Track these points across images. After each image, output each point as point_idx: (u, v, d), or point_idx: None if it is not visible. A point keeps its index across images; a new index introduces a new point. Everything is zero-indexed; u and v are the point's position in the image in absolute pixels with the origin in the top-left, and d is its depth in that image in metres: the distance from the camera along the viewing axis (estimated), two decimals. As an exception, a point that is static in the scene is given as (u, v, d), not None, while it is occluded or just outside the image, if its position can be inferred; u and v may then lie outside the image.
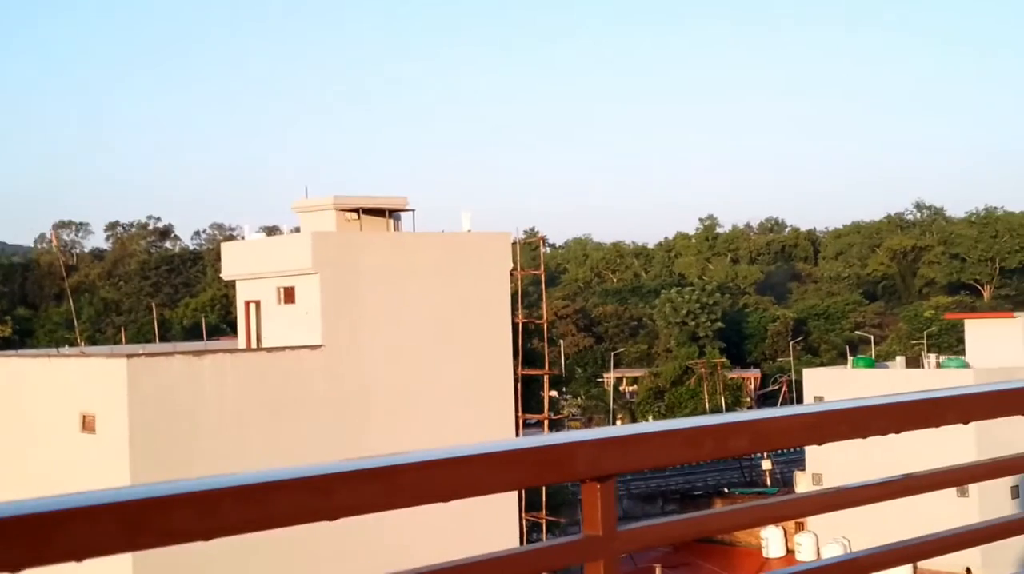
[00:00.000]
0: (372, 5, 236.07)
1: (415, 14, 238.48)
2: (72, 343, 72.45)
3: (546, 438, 2.37)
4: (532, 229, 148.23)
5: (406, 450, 2.30)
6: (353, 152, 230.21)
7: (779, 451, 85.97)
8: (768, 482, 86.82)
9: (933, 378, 61.65)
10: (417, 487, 2.22)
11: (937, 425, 3.44)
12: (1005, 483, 54.34)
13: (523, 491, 49.28)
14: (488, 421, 50.09)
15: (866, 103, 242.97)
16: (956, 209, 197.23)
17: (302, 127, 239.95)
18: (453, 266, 52.03)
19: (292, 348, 48.08)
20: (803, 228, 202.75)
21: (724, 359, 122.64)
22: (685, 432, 2.67)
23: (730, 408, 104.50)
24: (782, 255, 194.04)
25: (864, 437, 3.17)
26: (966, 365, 64.44)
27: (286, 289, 50.47)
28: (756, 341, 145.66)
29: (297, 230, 57.04)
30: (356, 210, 53.61)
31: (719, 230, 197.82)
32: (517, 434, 53.11)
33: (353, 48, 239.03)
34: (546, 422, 65.21)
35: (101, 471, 41.89)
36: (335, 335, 48.49)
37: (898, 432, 3.25)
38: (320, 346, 48.23)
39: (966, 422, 3.57)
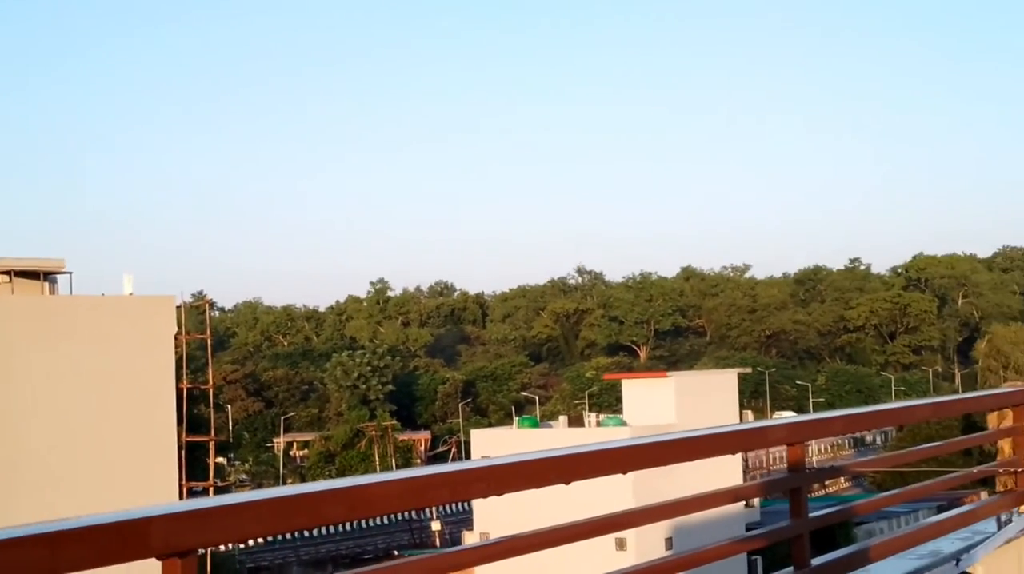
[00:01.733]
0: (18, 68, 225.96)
1: (71, 71, 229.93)
2: None
3: (120, 514, 2.28)
4: (200, 292, 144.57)
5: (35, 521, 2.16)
6: (7, 211, 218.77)
7: (448, 510, 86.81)
8: (438, 543, 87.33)
9: (594, 436, 63.79)
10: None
11: (537, 486, 3.56)
12: (659, 535, 56.79)
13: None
14: (150, 490, 48.13)
15: (526, 170, 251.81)
16: (614, 274, 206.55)
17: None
18: (113, 330, 49.92)
19: (-66, 418, 44.68)
20: (472, 291, 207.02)
21: (395, 421, 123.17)
22: (274, 502, 2.64)
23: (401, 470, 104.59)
24: (452, 318, 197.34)
25: (464, 499, 3.24)
26: (623, 423, 67.00)
27: (-73, 356, 46.97)
28: (427, 403, 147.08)
29: (-59, 293, 53.32)
30: (7, 272, 50.66)
31: (390, 293, 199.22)
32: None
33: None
34: (211, 489, 63.36)
35: None
36: (-17, 404, 45.43)
37: (499, 494, 3.34)
38: (-34, 415, 45.05)
39: (567, 482, 3.72)
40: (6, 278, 50.59)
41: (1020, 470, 6.73)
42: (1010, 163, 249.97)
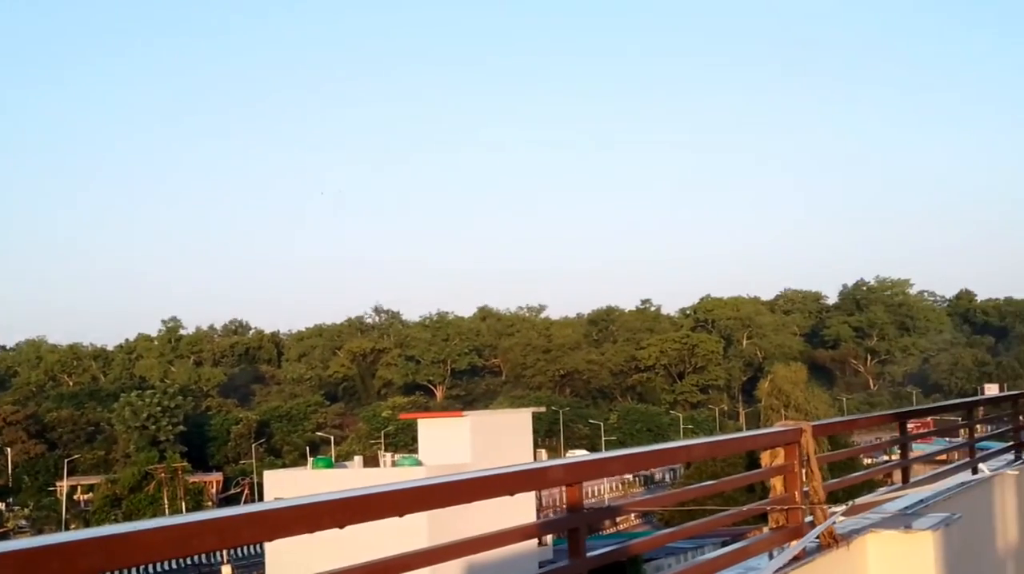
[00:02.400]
0: None
1: None
2: None
3: None
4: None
5: None
6: None
7: (239, 553, 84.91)
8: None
9: (389, 476, 63.47)
10: None
11: (310, 530, 3.51)
12: (454, 575, 56.82)
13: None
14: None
15: (322, 206, 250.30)
16: (412, 313, 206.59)
17: None
18: None
19: None
20: (267, 330, 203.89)
21: (185, 463, 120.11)
22: (21, 554, 2.51)
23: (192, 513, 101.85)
24: (246, 357, 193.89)
25: (235, 546, 3.17)
26: (419, 463, 66.91)
27: None
28: (219, 444, 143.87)
29: None
30: None
31: (183, 332, 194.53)
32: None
33: None
34: (-13, 537, 60.55)
35: None
36: None
37: (270, 539, 3.28)
38: None
39: (342, 526, 3.68)
40: None
41: (790, 507, 6.97)
42: (791, 206, 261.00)
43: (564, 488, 5.01)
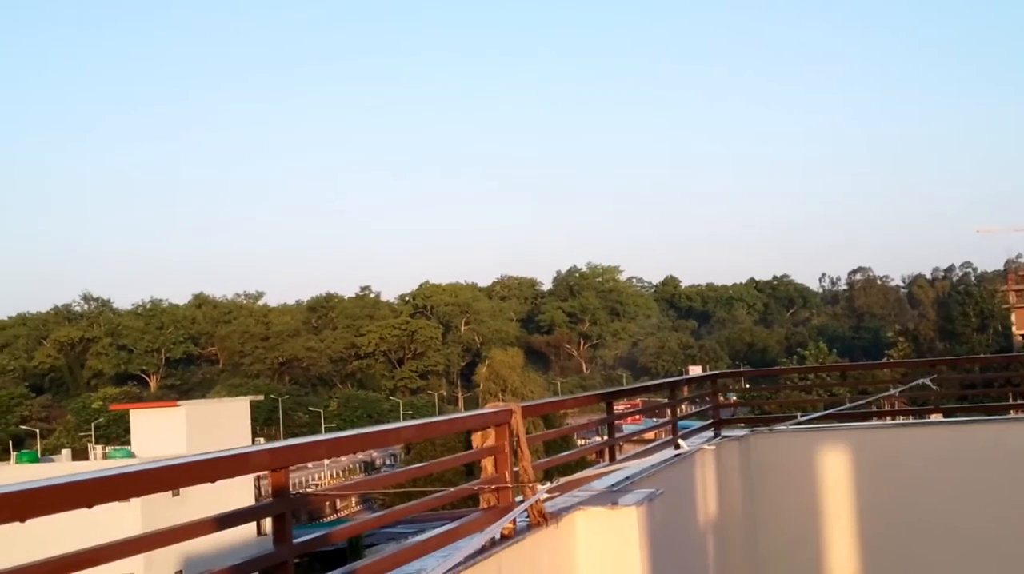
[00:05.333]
0: None
1: None
2: None
3: None
4: None
5: None
6: None
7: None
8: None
9: (100, 469, 61.38)
10: None
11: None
12: (171, 567, 55.53)
13: None
14: None
15: (29, 185, 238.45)
16: (123, 301, 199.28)
17: None
18: None
19: None
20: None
21: None
22: None
23: None
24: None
25: None
26: (132, 455, 64.97)
27: None
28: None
29: None
30: None
31: None
32: None
33: None
34: None
35: None
36: None
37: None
38: None
39: (23, 519, 3.46)
40: None
41: (500, 486, 7.06)
42: (507, 194, 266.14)
43: (269, 473, 4.89)
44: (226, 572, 4.47)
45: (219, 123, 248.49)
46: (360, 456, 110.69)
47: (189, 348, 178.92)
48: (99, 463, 64.67)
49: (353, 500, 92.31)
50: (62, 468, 66.06)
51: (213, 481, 4.45)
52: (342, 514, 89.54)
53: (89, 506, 3.70)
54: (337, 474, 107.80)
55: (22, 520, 3.45)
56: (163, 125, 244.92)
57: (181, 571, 56.21)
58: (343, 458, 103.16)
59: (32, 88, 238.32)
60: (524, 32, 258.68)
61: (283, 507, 4.92)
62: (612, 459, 10.62)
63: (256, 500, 68.14)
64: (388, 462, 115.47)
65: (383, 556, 5.73)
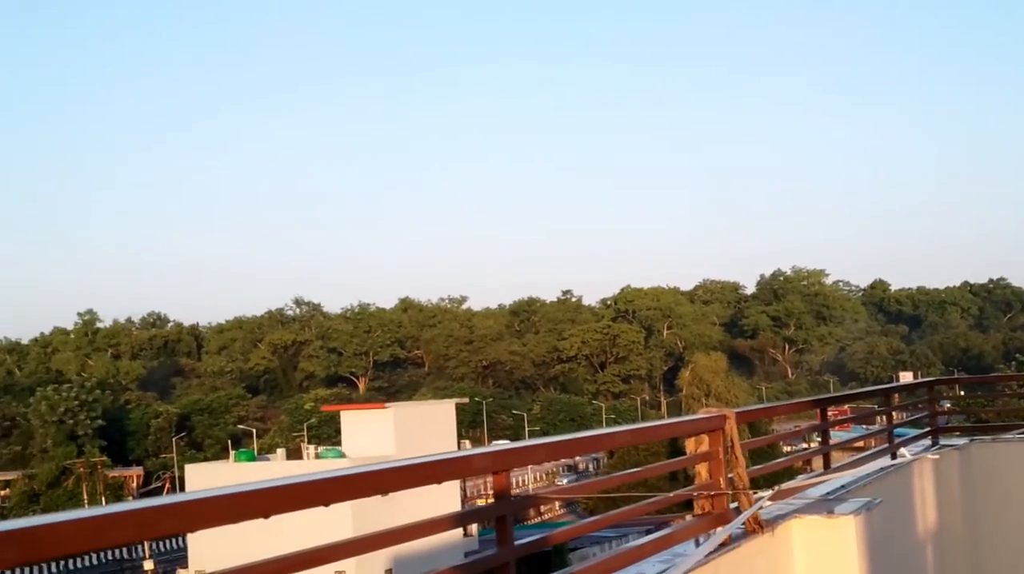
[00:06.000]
0: None
1: None
2: None
3: None
4: None
5: None
6: None
7: (162, 548, 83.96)
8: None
9: (312, 468, 63.13)
10: None
11: (235, 521, 3.43)
12: (380, 566, 56.66)
13: None
14: None
15: (242, 195, 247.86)
16: (333, 305, 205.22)
17: None
18: None
19: None
20: (186, 323, 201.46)
21: (105, 458, 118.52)
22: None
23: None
24: (165, 350, 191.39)
25: (152, 538, 3.08)
26: (342, 455, 66.65)
27: None
28: (139, 438, 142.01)
29: None
30: None
31: (100, 325, 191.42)
32: None
33: None
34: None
35: None
36: None
37: (192, 530, 3.20)
38: None
39: (267, 516, 3.60)
40: None
41: (715, 493, 7.00)
42: (708, 198, 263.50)
43: (491, 476, 4.96)
44: (449, 572, 4.55)
45: (417, 128, 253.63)
46: (563, 459, 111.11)
47: (396, 351, 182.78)
48: (312, 463, 66.61)
49: (557, 502, 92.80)
50: (277, 467, 68.36)
51: (439, 482, 4.55)
52: (546, 517, 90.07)
53: (327, 504, 3.83)
54: (540, 477, 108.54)
55: (265, 516, 3.59)
56: (368, 134, 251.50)
57: (391, 570, 57.39)
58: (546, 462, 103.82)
59: (237, 97, 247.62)
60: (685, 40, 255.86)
61: (505, 509, 4.99)
62: (827, 467, 10.41)
63: (462, 503, 69.20)
64: (591, 466, 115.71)
65: (603, 559, 5.74)
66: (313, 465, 65.29)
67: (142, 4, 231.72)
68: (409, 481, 4.46)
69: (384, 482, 4.29)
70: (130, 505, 3.02)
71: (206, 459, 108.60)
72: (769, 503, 7.96)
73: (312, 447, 74.08)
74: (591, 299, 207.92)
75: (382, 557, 57.25)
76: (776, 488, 8.04)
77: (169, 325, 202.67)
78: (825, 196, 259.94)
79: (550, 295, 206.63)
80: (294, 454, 74.58)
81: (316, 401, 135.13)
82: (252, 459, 72.75)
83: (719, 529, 6.62)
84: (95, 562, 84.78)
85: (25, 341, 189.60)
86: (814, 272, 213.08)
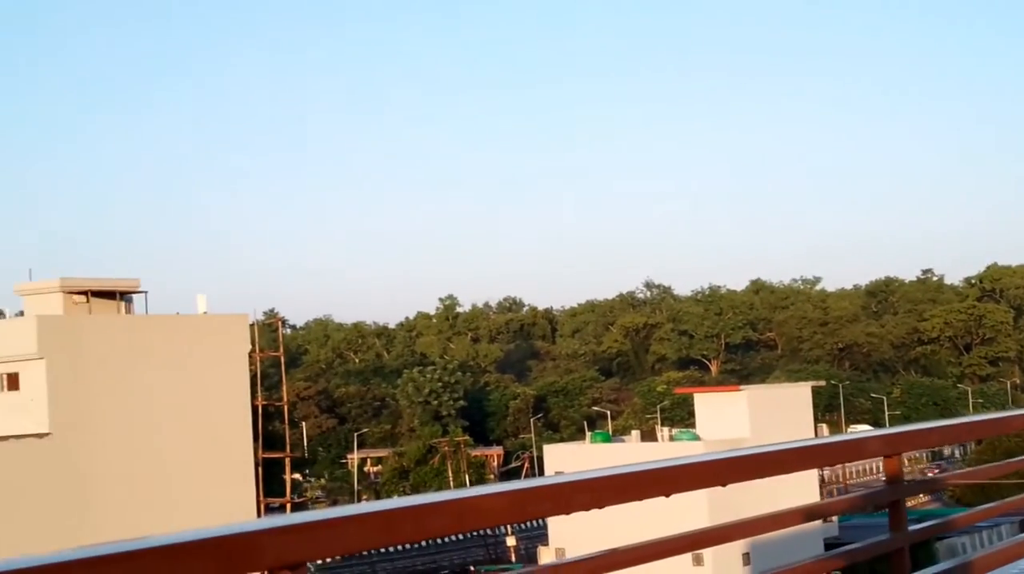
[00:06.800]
0: (97, 81, 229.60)
1: (149, 87, 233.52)
2: None
3: (229, 527, 2.26)
4: (272, 310, 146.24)
5: (113, 541, 2.16)
6: (82, 232, 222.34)
7: (523, 526, 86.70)
8: (513, 558, 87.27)
9: (667, 450, 63.48)
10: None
11: (636, 498, 3.51)
12: (737, 550, 56.32)
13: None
14: (228, 505, 48.64)
15: (592, 183, 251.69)
16: (683, 288, 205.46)
17: (26, 205, 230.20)
18: (188, 348, 50.64)
19: (17, 437, 45.63)
20: (540, 307, 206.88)
21: (467, 437, 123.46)
22: (381, 514, 2.61)
23: (475, 486, 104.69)
24: (521, 334, 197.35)
25: (567, 513, 3.20)
26: (697, 438, 66.65)
27: (9, 375, 48.01)
28: (498, 418, 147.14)
29: (21, 314, 54.40)
30: (85, 292, 51.61)
31: (459, 309, 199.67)
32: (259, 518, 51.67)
33: (77, 123, 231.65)
34: (289, 505, 63.91)
35: None
36: (63, 423, 46.33)
37: (600, 507, 3.29)
38: (47, 434, 45.95)
39: (668, 494, 3.66)
40: (83, 298, 51.56)
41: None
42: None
43: (882, 459, 4.84)
44: (828, 560, 4.48)
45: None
46: (956, 443, 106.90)
47: (747, 333, 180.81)
48: (666, 445, 66.96)
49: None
50: (632, 448, 69.18)
51: (831, 465, 4.51)
52: (910, 505, 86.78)
53: (723, 485, 3.85)
54: (904, 462, 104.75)
55: (666, 494, 3.66)
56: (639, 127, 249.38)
57: (748, 554, 56.99)
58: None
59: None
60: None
61: (898, 494, 4.86)
62: None
63: (820, 490, 67.75)
64: (957, 453, 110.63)
65: (995, 549, 5.50)
66: (668, 447, 65.65)
67: None
68: (802, 463, 4.43)
69: (777, 464, 4.27)
70: (550, 480, 3.14)
71: (562, 440, 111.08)
72: None
73: (666, 429, 74.37)
74: (953, 278, 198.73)
75: (739, 541, 56.93)
76: None
77: (524, 309, 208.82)
78: None
79: (908, 275, 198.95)
80: (648, 436, 75.08)
81: (668, 383, 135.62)
82: (607, 440, 73.94)
83: None
84: (460, 537, 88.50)
85: (392, 326, 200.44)
86: None
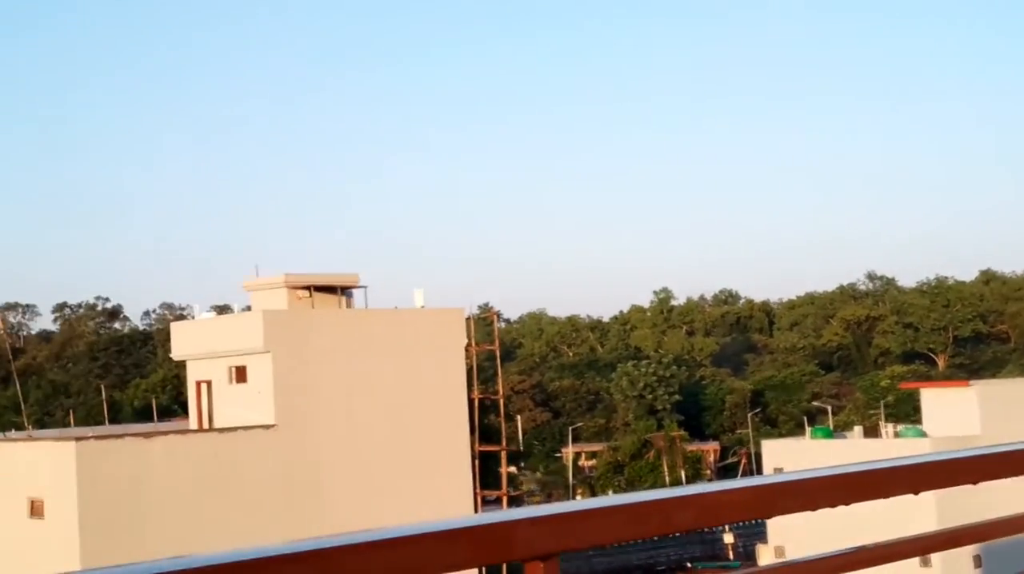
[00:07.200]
0: (317, 77, 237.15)
1: (358, 87, 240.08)
2: (19, 427, 71.11)
3: (485, 517, 2.27)
4: (486, 304, 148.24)
5: (345, 531, 2.18)
6: (304, 229, 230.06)
7: (740, 524, 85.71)
8: (731, 556, 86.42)
9: (892, 448, 61.76)
10: (350, 570, 2.10)
11: (886, 496, 3.36)
12: (968, 552, 54.33)
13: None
14: (446, 498, 49.62)
15: (816, 175, 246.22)
16: (907, 279, 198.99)
17: (252, 203, 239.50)
18: (407, 342, 51.80)
19: (245, 428, 47.55)
20: (757, 299, 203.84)
21: (683, 432, 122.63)
22: (630, 508, 2.57)
23: (691, 482, 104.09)
24: (737, 327, 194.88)
25: (813, 509, 3.09)
26: (923, 434, 64.65)
27: (238, 368, 50.03)
28: (714, 413, 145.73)
29: (248, 309, 56.68)
30: (307, 287, 53.39)
31: (673, 302, 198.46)
32: (476, 511, 52.61)
33: (298, 122, 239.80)
34: (505, 498, 64.70)
35: (50, 556, 41.06)
36: (289, 414, 48.04)
37: (847, 504, 3.17)
38: (273, 426, 47.73)
39: (916, 492, 3.50)
40: (306, 293, 53.34)
41: None
42: None
43: None
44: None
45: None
46: None
47: (977, 326, 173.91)
48: (891, 442, 65.11)
49: None
50: (855, 445, 67.53)
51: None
52: None
53: (975, 482, 3.66)
54: None
55: (915, 492, 3.49)
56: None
57: (979, 556, 54.91)
58: None
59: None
60: None
61: None
62: None
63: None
64: None
65: None
66: (892, 444, 63.88)
67: None
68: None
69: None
70: (794, 476, 3.04)
71: (780, 435, 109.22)
72: None
73: (890, 425, 72.35)
74: None
75: (970, 547, 54.80)
76: None
77: (740, 302, 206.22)
78: None
79: None
80: (871, 432, 73.21)
81: (893, 378, 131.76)
82: (829, 436, 72.34)
83: None
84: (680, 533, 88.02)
85: (606, 319, 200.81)
86: None
